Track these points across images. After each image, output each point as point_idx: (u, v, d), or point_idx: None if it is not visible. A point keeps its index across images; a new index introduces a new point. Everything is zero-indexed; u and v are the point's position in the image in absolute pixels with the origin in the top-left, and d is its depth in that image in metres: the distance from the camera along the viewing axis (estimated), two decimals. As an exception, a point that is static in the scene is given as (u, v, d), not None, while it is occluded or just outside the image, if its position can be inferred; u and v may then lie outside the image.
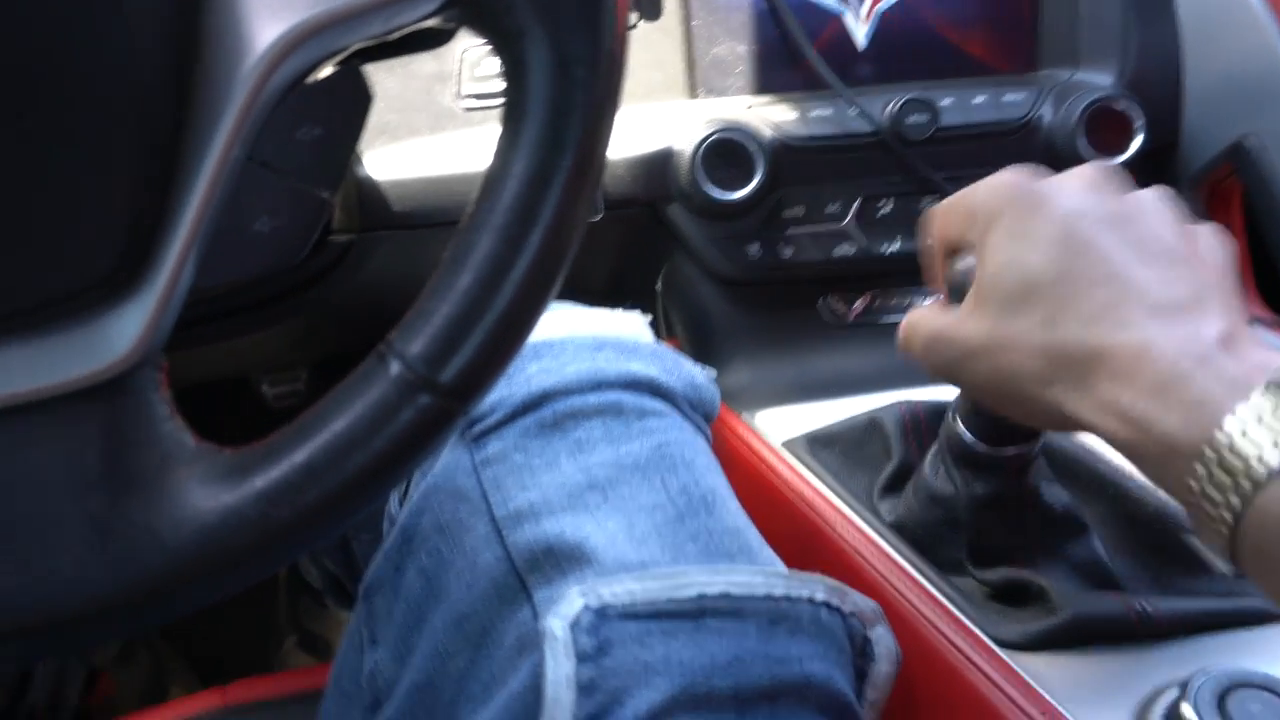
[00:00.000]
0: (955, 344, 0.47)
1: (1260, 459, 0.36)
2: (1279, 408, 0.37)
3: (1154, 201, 0.45)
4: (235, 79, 0.31)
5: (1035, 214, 0.44)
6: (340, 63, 0.36)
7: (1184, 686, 0.46)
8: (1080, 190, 0.45)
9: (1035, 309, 0.43)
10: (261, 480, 0.33)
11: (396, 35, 0.34)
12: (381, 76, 0.79)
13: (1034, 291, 0.43)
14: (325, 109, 0.35)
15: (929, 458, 0.60)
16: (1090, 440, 0.66)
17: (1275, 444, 0.36)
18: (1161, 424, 0.39)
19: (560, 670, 0.44)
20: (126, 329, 0.32)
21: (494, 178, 0.34)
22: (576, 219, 0.35)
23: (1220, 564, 0.40)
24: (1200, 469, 0.38)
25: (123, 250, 0.32)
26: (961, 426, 0.57)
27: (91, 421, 0.32)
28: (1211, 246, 0.44)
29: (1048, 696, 0.49)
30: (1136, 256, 0.42)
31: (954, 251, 0.50)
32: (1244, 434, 0.37)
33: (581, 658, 0.44)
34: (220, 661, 1.26)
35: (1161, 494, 0.61)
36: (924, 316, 0.50)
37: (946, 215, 0.50)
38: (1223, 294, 0.42)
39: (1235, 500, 0.37)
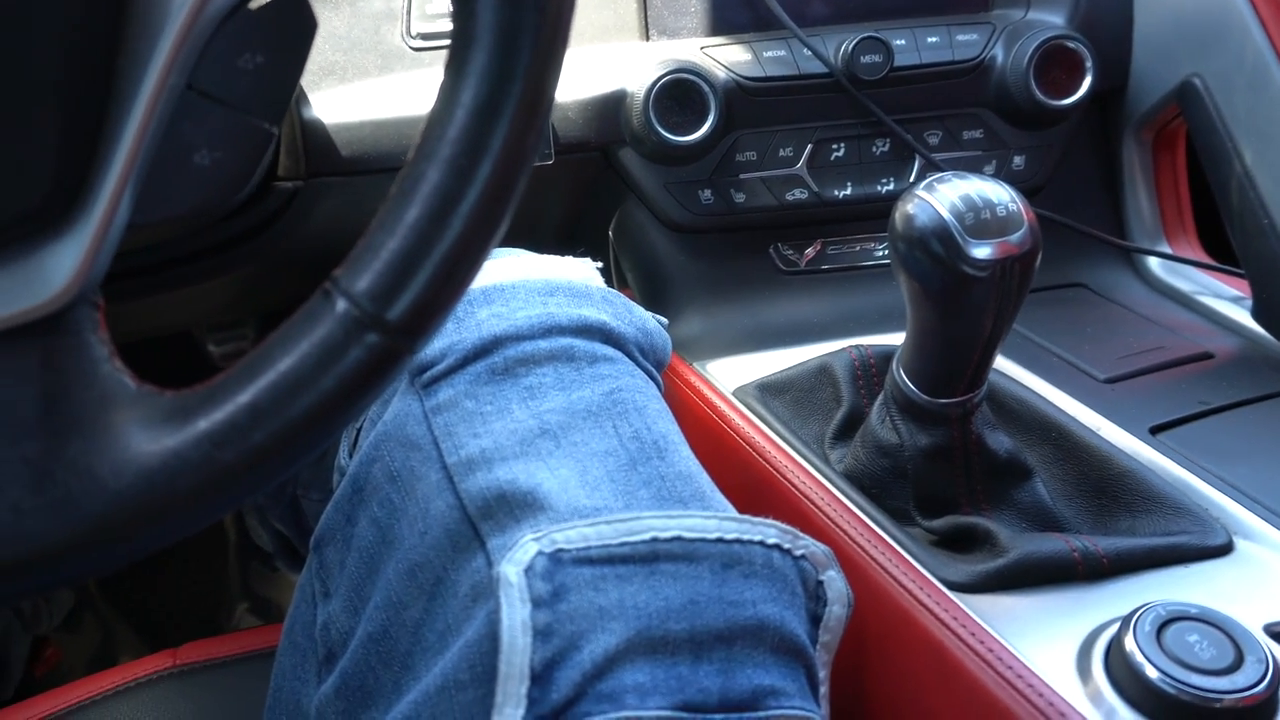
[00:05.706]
0: None
1: None
2: None
3: None
4: (173, 1, 0.30)
5: None
6: (282, -11, 0.35)
7: (1125, 621, 0.48)
8: None
9: None
10: (205, 422, 0.32)
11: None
12: (327, 15, 0.77)
13: None
14: (268, 36, 0.33)
15: (875, 407, 0.61)
16: (1033, 383, 0.67)
17: None
18: None
19: (515, 616, 0.44)
20: (61, 264, 0.31)
21: (441, 109, 0.33)
22: (527, 151, 0.34)
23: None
24: None
25: (56, 182, 0.31)
26: (904, 377, 0.58)
27: (26, 361, 0.31)
28: None
29: (996, 635, 0.50)
30: None
31: None
32: None
33: (536, 603, 0.44)
34: (170, 629, 1.25)
35: (1104, 434, 0.62)
36: None
37: None
38: None
39: None
